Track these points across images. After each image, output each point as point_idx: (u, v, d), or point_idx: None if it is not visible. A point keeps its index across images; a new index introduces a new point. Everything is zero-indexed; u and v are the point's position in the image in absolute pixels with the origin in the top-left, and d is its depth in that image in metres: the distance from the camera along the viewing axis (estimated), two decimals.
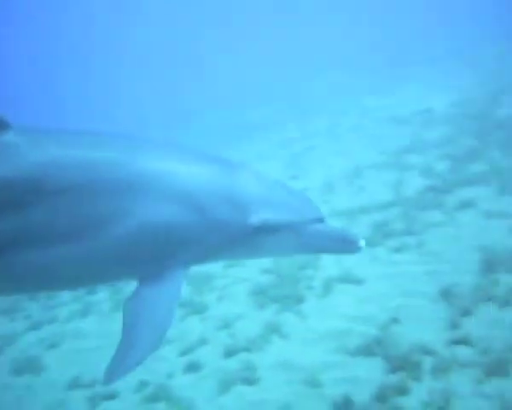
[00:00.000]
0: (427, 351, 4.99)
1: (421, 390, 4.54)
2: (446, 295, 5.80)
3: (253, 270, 7.64)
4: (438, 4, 31.98)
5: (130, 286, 2.99)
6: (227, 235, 3.02)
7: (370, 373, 4.95)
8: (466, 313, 5.39)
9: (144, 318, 2.80)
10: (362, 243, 3.04)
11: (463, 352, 4.86)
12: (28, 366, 6.67)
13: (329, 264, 7.25)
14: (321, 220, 3.12)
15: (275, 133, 17.41)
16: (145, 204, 2.86)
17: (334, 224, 3.49)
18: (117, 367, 2.68)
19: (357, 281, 6.73)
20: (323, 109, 18.87)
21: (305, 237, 3.08)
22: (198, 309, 7.03)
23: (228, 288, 7.50)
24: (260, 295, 6.95)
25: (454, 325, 5.26)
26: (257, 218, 3.00)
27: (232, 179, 3.06)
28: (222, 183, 3.04)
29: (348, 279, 6.80)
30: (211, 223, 2.97)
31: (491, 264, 6.09)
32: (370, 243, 7.28)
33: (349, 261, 7.10)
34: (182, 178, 2.96)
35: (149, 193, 2.88)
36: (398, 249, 7.24)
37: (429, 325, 5.42)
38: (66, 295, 8.65)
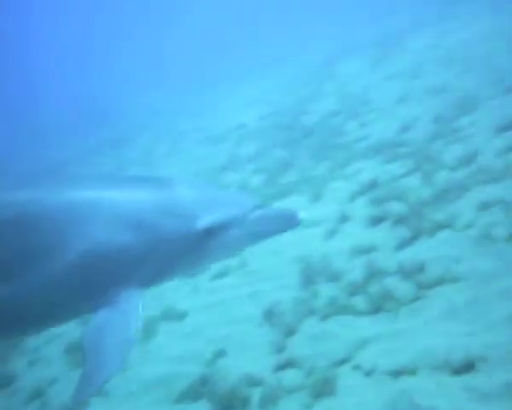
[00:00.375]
0: (255, 382, 4.71)
1: None
2: (269, 316, 5.59)
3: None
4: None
5: None
6: (175, 246, 3.04)
7: None
8: (290, 332, 5.21)
9: (105, 343, 2.79)
10: (301, 214, 3.17)
11: (290, 376, 4.64)
12: None
13: (149, 302, 6.73)
14: (258, 208, 3.19)
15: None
16: (84, 234, 2.86)
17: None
18: (84, 389, 2.72)
19: (180, 316, 6.31)
20: (139, 135, 18.33)
21: (249, 227, 3.16)
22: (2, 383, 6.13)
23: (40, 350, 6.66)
24: (78, 353, 6.23)
25: (279, 348, 5.04)
26: (201, 222, 3.05)
27: (167, 192, 3.10)
28: (158, 198, 3.06)
29: (170, 316, 6.36)
30: (155, 238, 2.99)
31: (310, 275, 6.02)
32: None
33: (170, 296, 6.66)
34: (117, 201, 2.97)
35: (87, 222, 2.88)
36: (220, 274, 6.95)
37: (255, 352, 5.16)
38: None
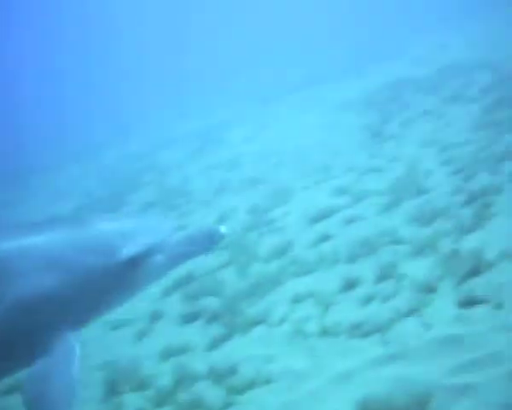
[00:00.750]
0: None
1: None
2: None
3: None
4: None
5: None
6: (102, 281, 3.04)
7: None
8: None
9: (47, 393, 2.72)
10: (223, 228, 3.27)
11: None
12: None
13: None
14: (178, 230, 3.32)
15: None
16: (9, 285, 2.82)
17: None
18: None
19: None
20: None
21: (172, 250, 3.22)
22: None
23: None
24: None
25: None
26: (123, 253, 3.07)
27: (85, 230, 3.12)
28: (77, 237, 3.07)
29: None
30: (80, 277, 2.98)
31: (115, 384, 5.34)
32: None
33: None
34: (38, 247, 2.95)
35: (11, 273, 2.84)
36: None
37: None
38: None
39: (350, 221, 7.21)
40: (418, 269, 5.46)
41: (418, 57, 16.69)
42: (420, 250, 5.78)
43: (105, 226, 3.19)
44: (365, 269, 5.87)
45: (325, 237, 7.01)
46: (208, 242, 3.30)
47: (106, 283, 3.08)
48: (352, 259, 6.22)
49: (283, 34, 29.61)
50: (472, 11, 20.61)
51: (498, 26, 16.55)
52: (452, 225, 6.02)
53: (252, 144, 13.74)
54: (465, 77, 12.33)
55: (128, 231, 3.19)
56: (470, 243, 5.56)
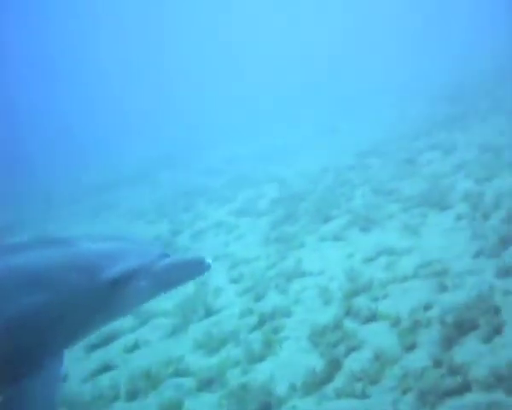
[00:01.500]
0: None
1: None
2: None
3: None
4: None
5: None
6: (85, 300, 3.03)
7: None
8: None
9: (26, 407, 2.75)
10: (209, 260, 3.32)
11: None
12: None
13: None
14: (165, 256, 3.28)
15: None
16: (5, 303, 2.82)
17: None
18: None
19: None
20: None
21: (157, 276, 3.22)
22: None
23: None
24: None
25: None
26: (106, 273, 3.07)
27: (72, 249, 3.12)
28: (63, 255, 3.07)
29: None
30: (65, 295, 2.98)
31: None
32: None
33: None
34: (25, 266, 2.95)
35: (6, 292, 2.84)
36: None
37: None
38: None
39: (133, 348, 6.42)
40: (203, 407, 4.86)
41: (211, 168, 16.93)
42: (207, 384, 5.20)
43: (91, 247, 3.17)
44: (146, 408, 5.11)
45: (104, 368, 6.13)
46: (194, 271, 3.34)
47: (88, 303, 3.07)
48: (133, 395, 5.43)
49: None
50: (259, 127, 21.87)
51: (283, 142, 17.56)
52: (241, 352, 5.58)
53: None
54: (255, 189, 12.59)
55: (113, 253, 3.19)
56: (260, 374, 5.14)
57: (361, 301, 5.92)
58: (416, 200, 8.35)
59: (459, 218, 7.30)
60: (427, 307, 5.39)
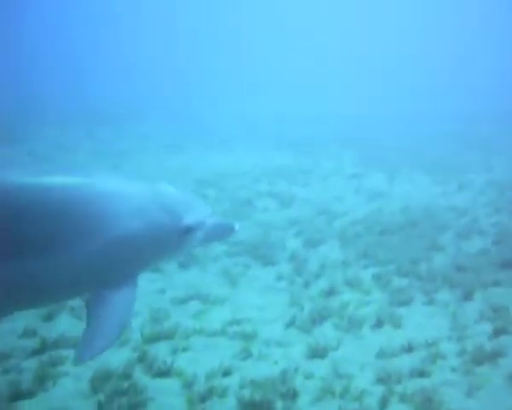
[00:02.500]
0: None
1: None
2: None
3: None
4: None
5: None
6: (167, 239, 3.55)
7: None
8: None
9: (106, 317, 3.25)
10: (236, 226, 3.87)
11: None
12: None
13: None
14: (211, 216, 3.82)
15: None
16: (109, 222, 3.27)
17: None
18: (84, 353, 3.16)
19: None
20: None
21: (208, 230, 3.76)
22: None
23: None
24: None
25: None
26: (185, 221, 3.59)
27: (161, 192, 3.62)
28: (157, 195, 3.56)
29: None
30: (155, 229, 3.46)
31: None
32: None
33: None
34: (134, 197, 3.43)
35: (112, 212, 3.30)
36: None
37: None
38: None
39: None
40: None
41: None
42: None
43: (173, 194, 3.67)
44: None
45: None
46: (226, 233, 3.91)
47: (165, 240, 3.55)
48: None
49: None
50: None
51: None
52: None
53: None
54: None
55: (188, 203, 3.71)
56: None
57: (159, 349, 5.35)
58: (242, 246, 8.03)
59: (280, 278, 7.07)
60: (226, 373, 4.96)
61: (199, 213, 3.73)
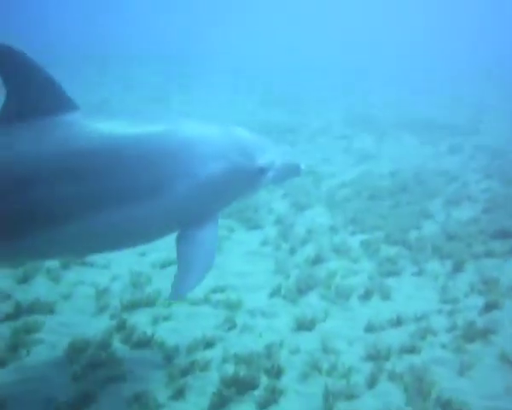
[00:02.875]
0: None
1: None
2: None
3: None
4: None
5: None
6: (246, 179, 3.92)
7: None
8: None
9: (195, 254, 3.61)
10: (303, 165, 4.27)
11: None
12: None
13: None
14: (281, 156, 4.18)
15: None
16: (198, 165, 3.58)
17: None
18: (179, 289, 3.52)
19: None
20: None
21: (278, 170, 4.12)
22: None
23: None
24: None
25: None
26: (259, 162, 3.94)
27: (237, 134, 3.94)
28: (233, 138, 3.88)
29: None
30: (240, 172, 3.82)
31: None
32: None
33: None
34: (215, 140, 3.75)
35: (199, 156, 3.61)
36: None
37: None
38: None
39: None
40: None
41: None
42: None
43: (247, 136, 4.00)
44: None
45: None
46: (294, 173, 4.28)
47: (243, 181, 3.91)
48: None
49: None
50: None
51: None
52: None
53: None
54: None
55: (261, 145, 4.05)
56: None
57: (139, 318, 5.12)
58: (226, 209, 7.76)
59: (265, 243, 6.83)
60: (209, 345, 4.75)
61: (270, 154, 4.10)
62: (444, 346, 4.75)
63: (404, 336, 4.91)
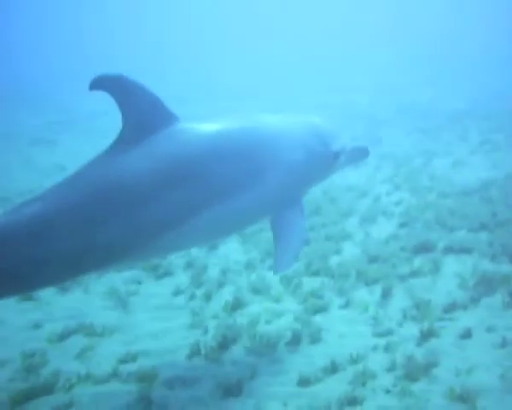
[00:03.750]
0: None
1: None
2: None
3: None
4: None
5: None
6: (323, 164, 4.35)
7: None
8: None
9: (291, 232, 4.00)
10: (370, 149, 4.71)
11: None
12: None
13: None
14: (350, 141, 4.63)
15: None
16: (283, 155, 3.98)
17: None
18: (279, 266, 3.94)
19: None
20: None
21: (349, 154, 4.55)
22: None
23: None
24: None
25: None
26: (334, 147, 4.35)
27: (314, 124, 4.38)
28: (311, 127, 4.31)
29: None
30: (318, 158, 4.24)
31: None
32: None
33: None
34: (295, 131, 4.19)
35: (283, 146, 4.01)
36: None
37: None
38: None
39: None
40: None
41: None
42: None
43: (322, 125, 4.43)
44: None
45: None
46: (363, 156, 4.74)
47: (320, 166, 4.34)
48: None
49: None
50: None
51: None
52: None
53: None
54: None
55: (335, 132, 4.46)
56: None
57: None
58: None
59: (178, 292, 6.15)
60: None
61: (342, 139, 4.50)
62: (387, 391, 4.26)
63: (343, 384, 4.39)
